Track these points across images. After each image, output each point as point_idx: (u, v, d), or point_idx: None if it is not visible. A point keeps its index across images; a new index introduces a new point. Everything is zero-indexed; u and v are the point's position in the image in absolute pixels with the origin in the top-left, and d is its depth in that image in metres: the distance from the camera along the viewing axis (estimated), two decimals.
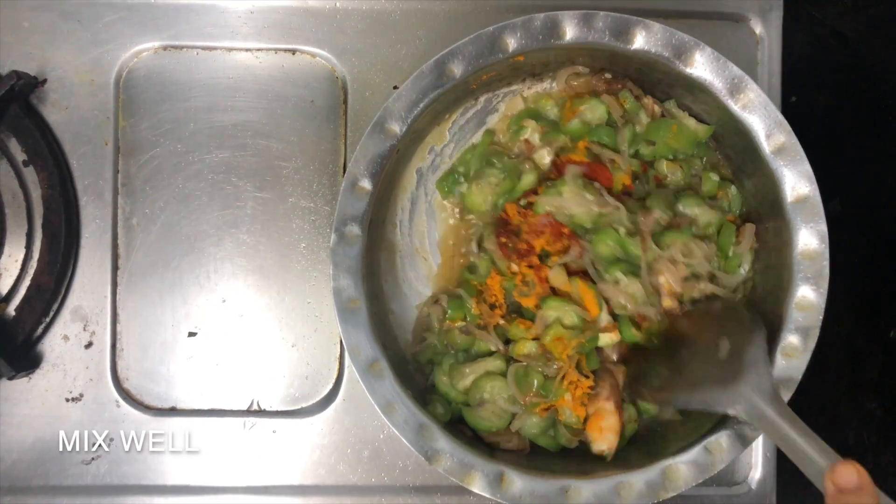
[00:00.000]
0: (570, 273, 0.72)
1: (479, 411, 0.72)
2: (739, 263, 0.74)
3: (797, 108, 0.87)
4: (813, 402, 0.86)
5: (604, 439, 0.72)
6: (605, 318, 0.71)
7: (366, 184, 0.67)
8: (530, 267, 0.71)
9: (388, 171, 0.71)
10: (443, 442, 0.67)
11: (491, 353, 0.73)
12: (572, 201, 0.71)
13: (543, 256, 0.72)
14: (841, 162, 0.88)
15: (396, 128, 0.67)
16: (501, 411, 0.72)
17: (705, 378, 0.65)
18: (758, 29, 0.81)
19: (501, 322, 0.72)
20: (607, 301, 0.71)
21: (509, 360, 0.73)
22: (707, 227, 0.73)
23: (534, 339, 0.72)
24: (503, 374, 0.72)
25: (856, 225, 0.88)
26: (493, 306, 0.73)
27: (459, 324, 0.73)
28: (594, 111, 0.73)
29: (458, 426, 0.74)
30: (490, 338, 0.72)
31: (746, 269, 0.74)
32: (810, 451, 0.57)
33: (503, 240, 0.72)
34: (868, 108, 0.89)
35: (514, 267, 0.72)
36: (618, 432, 0.72)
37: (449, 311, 0.73)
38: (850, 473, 0.52)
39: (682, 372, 0.67)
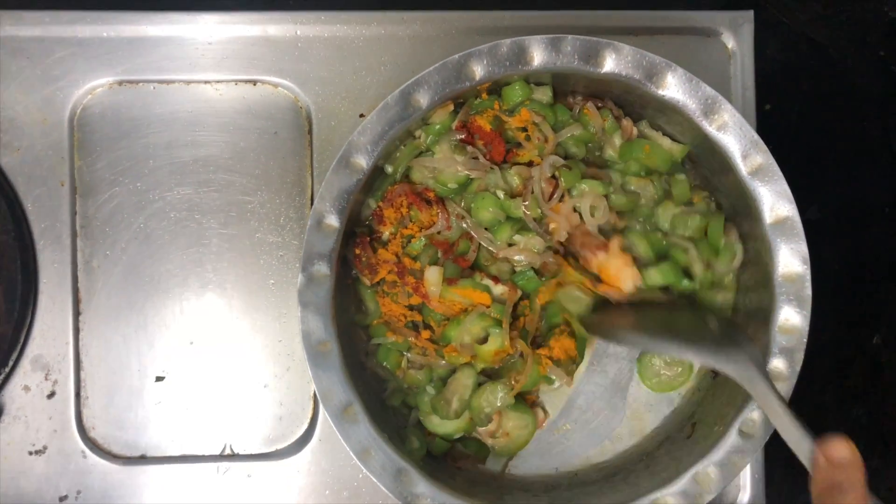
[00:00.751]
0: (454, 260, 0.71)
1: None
2: (734, 254, 0.72)
3: (772, 115, 0.86)
4: (799, 410, 0.85)
5: (626, 279, 0.71)
6: (498, 291, 0.70)
7: (333, 220, 0.65)
8: (394, 274, 0.70)
9: (357, 204, 0.68)
10: (423, 486, 0.64)
11: (454, 370, 0.72)
12: (442, 163, 0.69)
13: (406, 243, 0.71)
14: (818, 168, 0.87)
15: (363, 162, 0.65)
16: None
17: (700, 341, 0.65)
18: (730, 43, 0.80)
19: (434, 345, 0.71)
20: (508, 261, 0.71)
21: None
22: (695, 231, 0.72)
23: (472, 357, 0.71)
24: (481, 383, 0.72)
25: (835, 231, 0.87)
26: (415, 326, 0.72)
27: (404, 365, 0.72)
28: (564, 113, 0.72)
29: (452, 458, 0.73)
30: (440, 361, 0.71)
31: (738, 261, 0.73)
32: (798, 426, 0.57)
33: (357, 251, 0.70)
34: (843, 114, 0.88)
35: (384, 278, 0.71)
36: (629, 263, 0.70)
37: (385, 364, 0.71)
38: (843, 448, 0.53)
39: (676, 332, 0.67)
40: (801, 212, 0.85)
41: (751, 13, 0.80)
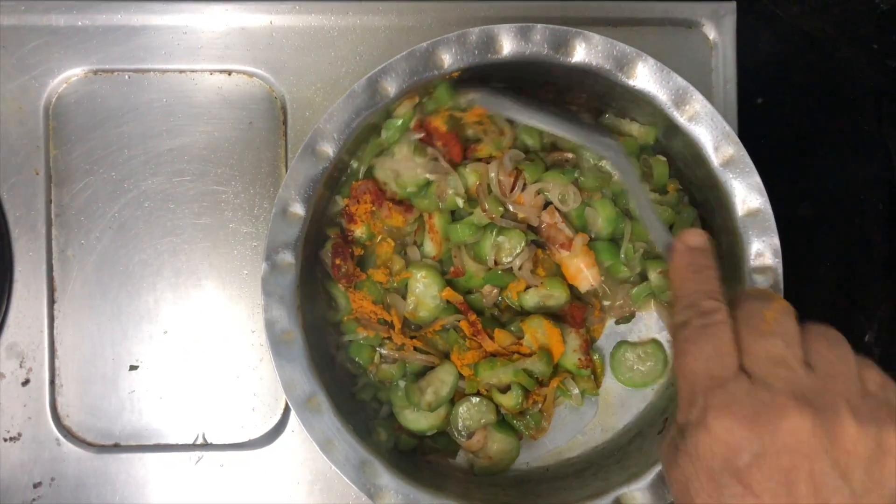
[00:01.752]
0: None
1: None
2: None
3: (764, 109, 0.85)
4: None
5: (584, 279, 0.71)
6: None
7: (298, 209, 0.64)
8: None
9: (324, 200, 0.68)
10: (386, 478, 0.64)
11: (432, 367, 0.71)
12: (402, 164, 0.68)
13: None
14: (810, 164, 0.86)
15: (329, 150, 0.64)
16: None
17: (578, 123, 0.67)
18: (711, 35, 0.79)
19: (412, 341, 0.71)
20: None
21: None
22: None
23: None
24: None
25: (827, 228, 0.86)
26: (385, 322, 0.71)
27: (377, 360, 0.71)
28: None
29: (421, 452, 0.73)
30: (416, 356, 0.70)
31: None
32: (660, 222, 0.62)
33: (338, 261, 0.69)
34: (836, 108, 0.87)
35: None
36: (591, 263, 0.70)
37: (356, 359, 0.71)
38: (699, 235, 0.56)
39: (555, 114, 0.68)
40: (792, 207, 0.85)
41: (733, 4, 0.79)
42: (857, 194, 0.86)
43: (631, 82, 0.65)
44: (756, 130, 0.83)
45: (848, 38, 0.87)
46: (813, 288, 0.85)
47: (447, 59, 0.65)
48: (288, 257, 0.64)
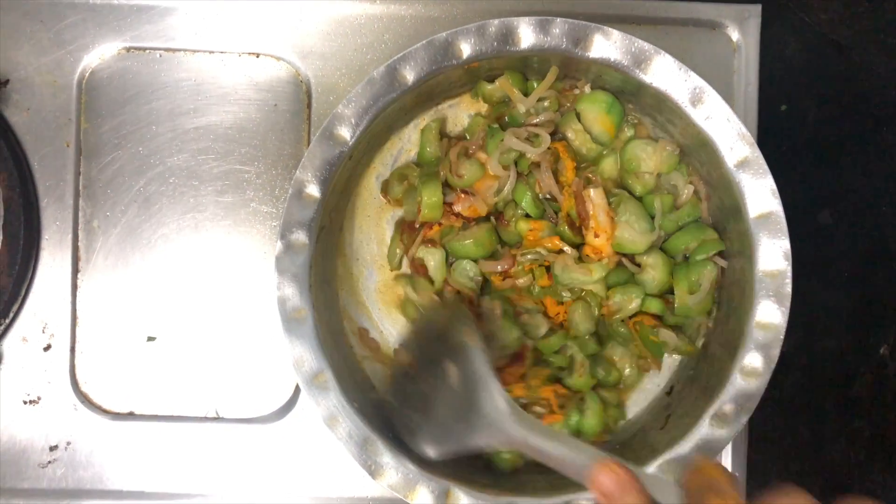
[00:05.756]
0: None
1: None
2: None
3: (788, 116, 0.85)
4: (800, 419, 0.84)
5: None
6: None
7: (314, 190, 0.66)
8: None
9: (344, 178, 0.70)
10: (388, 456, 0.65)
11: None
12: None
13: None
14: (833, 172, 0.85)
15: (346, 134, 0.66)
16: None
17: (449, 416, 0.60)
18: (735, 36, 0.79)
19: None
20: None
21: None
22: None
23: None
24: None
25: (847, 237, 0.86)
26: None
27: None
28: None
29: None
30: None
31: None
32: (572, 457, 0.53)
33: None
34: (861, 119, 0.86)
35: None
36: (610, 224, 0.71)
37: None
38: (607, 478, 0.49)
39: (430, 416, 0.63)
40: (812, 215, 0.85)
41: (758, 7, 0.79)
42: (878, 204, 0.86)
43: (647, 79, 0.66)
44: (779, 137, 0.83)
45: (876, 48, 0.86)
46: (830, 297, 0.85)
47: (466, 49, 0.66)
48: (302, 237, 0.66)
